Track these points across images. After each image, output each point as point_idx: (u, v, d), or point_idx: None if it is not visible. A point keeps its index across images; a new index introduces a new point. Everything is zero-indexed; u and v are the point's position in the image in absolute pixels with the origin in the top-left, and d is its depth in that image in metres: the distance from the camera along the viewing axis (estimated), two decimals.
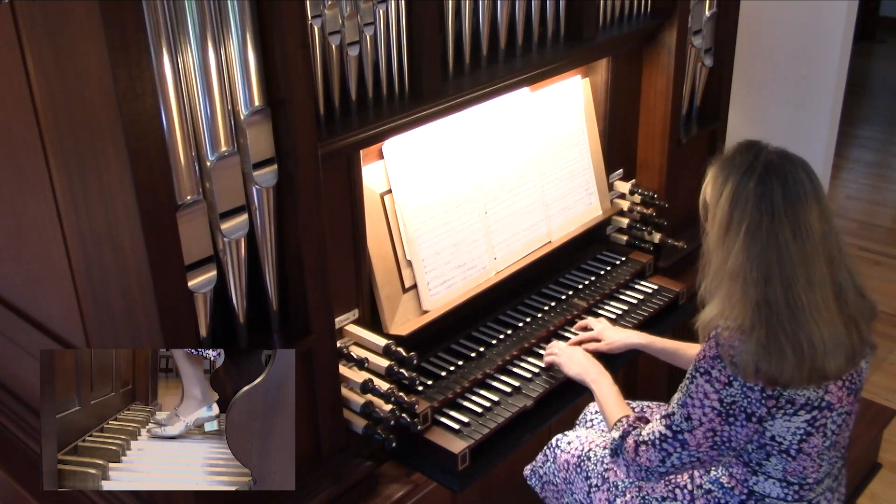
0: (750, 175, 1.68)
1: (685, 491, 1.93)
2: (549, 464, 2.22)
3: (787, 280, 1.64)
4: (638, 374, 2.92)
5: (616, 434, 1.91)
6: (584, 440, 2.17)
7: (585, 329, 2.43)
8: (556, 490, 2.20)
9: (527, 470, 2.30)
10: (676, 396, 1.78)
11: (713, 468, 1.87)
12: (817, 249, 1.66)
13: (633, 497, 2.00)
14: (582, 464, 2.11)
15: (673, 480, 1.96)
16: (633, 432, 1.87)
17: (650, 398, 2.17)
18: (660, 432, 1.79)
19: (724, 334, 1.69)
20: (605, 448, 2.11)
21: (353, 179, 2.06)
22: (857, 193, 5.37)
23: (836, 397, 1.72)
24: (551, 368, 2.30)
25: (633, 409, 2.06)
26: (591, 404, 2.38)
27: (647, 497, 1.98)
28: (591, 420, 2.34)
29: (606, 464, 2.07)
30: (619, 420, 1.94)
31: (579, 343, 2.36)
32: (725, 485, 1.85)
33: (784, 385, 1.65)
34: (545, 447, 2.26)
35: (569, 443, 2.19)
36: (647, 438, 1.82)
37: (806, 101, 3.58)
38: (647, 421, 1.90)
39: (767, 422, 1.70)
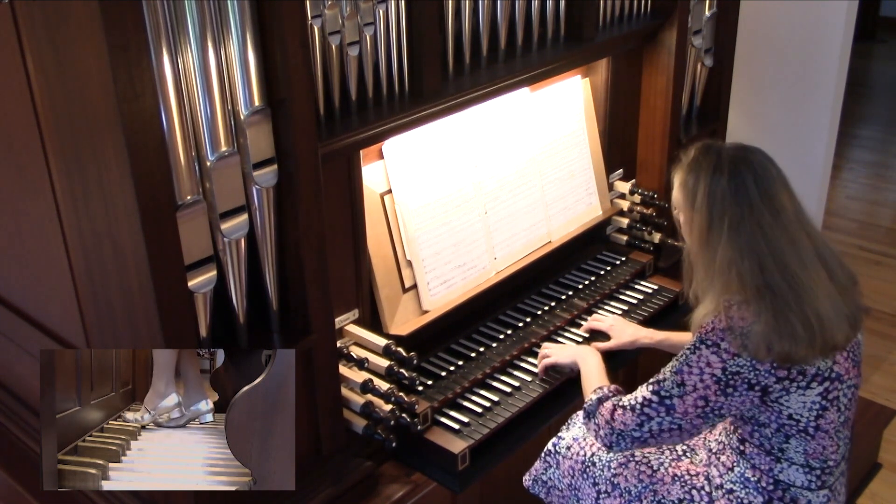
0: (720, 172, 1.73)
1: (703, 492, 1.91)
2: (552, 469, 2.20)
3: (781, 263, 1.68)
4: (638, 375, 2.92)
5: (594, 396, 1.92)
6: (582, 444, 2.15)
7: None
8: (561, 495, 2.19)
9: (527, 479, 2.28)
10: (670, 366, 1.78)
11: (736, 465, 1.87)
12: (797, 227, 1.71)
13: (648, 502, 1.98)
14: (587, 470, 2.09)
15: (689, 482, 1.94)
16: (612, 398, 1.88)
17: None
18: (644, 398, 1.79)
19: (731, 309, 1.70)
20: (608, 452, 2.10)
21: (353, 179, 2.06)
22: (857, 193, 5.36)
23: (844, 368, 1.74)
24: (550, 370, 2.30)
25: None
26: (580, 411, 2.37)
27: (662, 500, 1.96)
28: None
29: (614, 468, 2.05)
30: (600, 387, 1.96)
31: (590, 330, 2.45)
32: (750, 478, 1.84)
33: (799, 361, 1.68)
34: (543, 454, 2.24)
35: (568, 447, 2.17)
36: (626, 404, 1.82)
37: (806, 101, 3.58)
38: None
39: (783, 398, 1.71)
